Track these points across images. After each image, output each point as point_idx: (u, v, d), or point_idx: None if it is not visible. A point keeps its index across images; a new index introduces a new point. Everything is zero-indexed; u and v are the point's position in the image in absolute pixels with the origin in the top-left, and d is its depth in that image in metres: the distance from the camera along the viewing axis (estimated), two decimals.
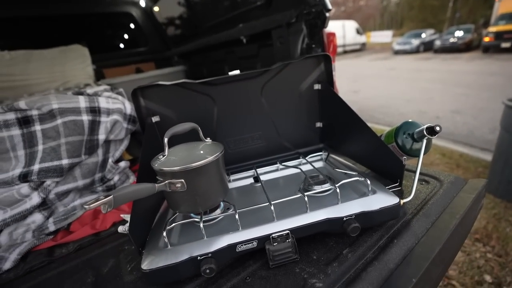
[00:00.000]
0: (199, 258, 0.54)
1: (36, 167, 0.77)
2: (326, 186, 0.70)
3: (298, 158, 0.92)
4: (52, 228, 0.79)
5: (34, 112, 0.80)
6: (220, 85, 0.82)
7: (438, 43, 11.72)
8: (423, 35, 13.64)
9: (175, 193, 0.58)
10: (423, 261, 0.55)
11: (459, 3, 21.35)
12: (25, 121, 0.79)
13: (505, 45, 7.91)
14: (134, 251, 0.70)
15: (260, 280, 0.55)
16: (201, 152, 0.61)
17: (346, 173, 0.74)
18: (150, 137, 0.74)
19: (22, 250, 0.73)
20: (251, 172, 0.87)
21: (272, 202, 0.62)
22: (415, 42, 13.04)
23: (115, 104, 0.92)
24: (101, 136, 0.87)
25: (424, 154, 0.71)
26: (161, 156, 0.59)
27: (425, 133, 0.69)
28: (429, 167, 0.88)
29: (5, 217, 0.73)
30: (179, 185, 0.56)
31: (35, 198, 0.76)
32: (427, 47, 13.00)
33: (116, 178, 0.94)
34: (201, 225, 0.57)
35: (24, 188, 0.75)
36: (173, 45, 2.65)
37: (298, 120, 0.94)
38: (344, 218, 0.61)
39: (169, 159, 0.58)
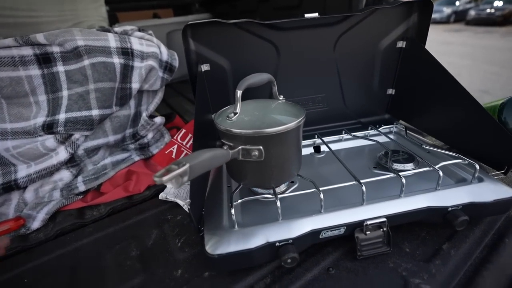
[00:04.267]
0: (277, 244, 0.44)
1: (61, 116, 0.64)
2: (421, 166, 0.57)
3: (363, 128, 0.78)
4: (81, 187, 0.69)
5: (56, 49, 0.65)
6: (289, 30, 0.65)
7: (472, 13, 10.63)
8: (457, 3, 12.38)
9: (247, 162, 0.46)
10: None
11: None
12: (45, 59, 0.65)
13: None
14: (180, 223, 0.61)
15: (347, 273, 0.45)
16: (281, 114, 0.47)
17: (444, 153, 0.61)
18: (202, 90, 0.60)
19: (51, 210, 0.64)
20: (309, 141, 0.74)
21: (362, 181, 0.50)
22: (447, 10, 11.84)
23: (149, 47, 0.76)
24: (135, 85, 0.73)
25: None
26: (232, 115, 0.45)
27: None
28: None
29: (29, 172, 0.63)
30: (256, 152, 0.43)
31: (62, 153, 0.65)
32: (459, 17, 11.82)
33: (150, 135, 0.81)
34: (278, 203, 0.46)
35: (49, 140, 0.64)
36: None
37: (367, 85, 0.79)
38: (449, 209, 0.49)
39: (242, 119, 0.45)
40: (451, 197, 0.50)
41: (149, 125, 0.79)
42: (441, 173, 0.51)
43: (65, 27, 1.56)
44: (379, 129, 0.74)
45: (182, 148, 0.79)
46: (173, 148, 0.78)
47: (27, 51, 0.63)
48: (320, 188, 0.48)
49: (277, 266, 0.48)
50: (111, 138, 0.73)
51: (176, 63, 0.84)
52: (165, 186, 0.72)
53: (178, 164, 0.33)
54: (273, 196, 0.48)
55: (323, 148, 0.73)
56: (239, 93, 0.44)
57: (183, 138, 0.80)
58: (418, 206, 0.49)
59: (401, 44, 0.73)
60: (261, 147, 0.43)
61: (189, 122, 0.85)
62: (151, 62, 0.75)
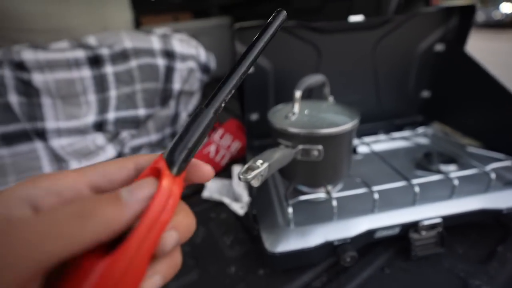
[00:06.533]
0: (335, 243, 0.44)
1: (111, 115, 0.67)
2: (465, 168, 0.57)
3: (397, 129, 0.79)
4: None
5: (105, 51, 0.68)
6: (331, 33, 0.66)
7: (482, 17, 10.49)
8: None
9: (303, 162, 0.47)
10: None
11: None
12: (95, 61, 0.67)
13: None
14: (226, 222, 0.62)
15: (403, 273, 0.46)
16: (337, 114, 0.48)
17: (489, 156, 0.61)
18: (250, 91, 0.62)
19: None
20: None
21: (414, 182, 0.50)
22: None
23: (189, 48, 0.78)
24: (176, 86, 0.75)
25: None
26: (291, 114, 0.46)
27: None
28: None
29: None
30: (316, 152, 0.44)
31: (110, 151, 0.67)
32: None
33: None
34: (335, 203, 0.47)
35: (100, 138, 0.66)
36: None
37: (403, 87, 0.79)
38: (504, 211, 0.49)
39: (301, 119, 0.46)
40: (505, 200, 0.50)
41: None
42: (493, 176, 0.51)
43: (93, 33, 1.61)
44: (416, 130, 0.74)
45: (220, 148, 0.80)
46: (211, 148, 0.80)
47: (80, 53, 0.66)
48: (374, 188, 0.49)
49: (330, 264, 0.49)
50: (153, 137, 0.75)
51: (213, 65, 0.86)
52: (203, 185, 0.73)
53: (257, 162, 0.34)
54: (327, 196, 0.49)
55: (361, 149, 0.73)
56: (298, 93, 0.46)
57: (220, 138, 0.82)
58: (471, 208, 0.49)
59: (440, 47, 0.73)
60: (321, 147, 0.44)
61: (225, 122, 0.87)
62: (191, 64, 0.77)
